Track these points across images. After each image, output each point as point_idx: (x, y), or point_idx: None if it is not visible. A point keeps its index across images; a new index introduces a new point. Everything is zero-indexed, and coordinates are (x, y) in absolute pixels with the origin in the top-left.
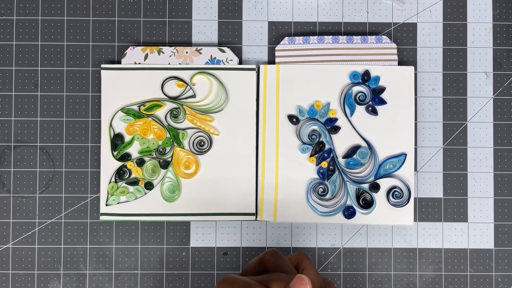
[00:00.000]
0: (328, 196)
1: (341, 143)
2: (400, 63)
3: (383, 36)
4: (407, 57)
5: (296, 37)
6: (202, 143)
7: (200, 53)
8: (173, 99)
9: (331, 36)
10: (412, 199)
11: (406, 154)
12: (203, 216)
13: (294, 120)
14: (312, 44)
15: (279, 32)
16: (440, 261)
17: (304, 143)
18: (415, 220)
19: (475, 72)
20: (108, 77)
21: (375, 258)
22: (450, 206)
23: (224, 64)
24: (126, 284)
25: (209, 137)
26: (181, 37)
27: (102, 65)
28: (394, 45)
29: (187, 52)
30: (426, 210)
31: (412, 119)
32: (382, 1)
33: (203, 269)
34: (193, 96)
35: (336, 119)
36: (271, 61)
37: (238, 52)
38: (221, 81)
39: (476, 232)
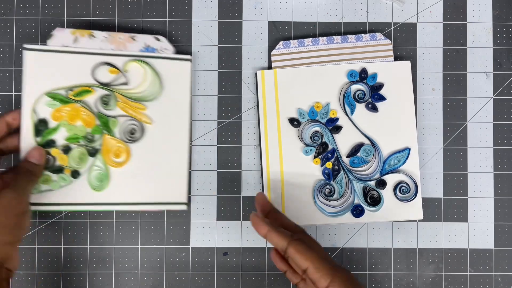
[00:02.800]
0: (335, 196)
1: (344, 142)
2: None
3: (377, 33)
4: (407, 57)
5: (291, 41)
6: (134, 131)
7: (135, 40)
8: (104, 85)
9: (325, 37)
10: (419, 193)
11: (409, 149)
12: (133, 206)
13: (295, 123)
14: (307, 46)
15: (279, 32)
16: (440, 261)
17: (307, 145)
18: (415, 220)
19: (475, 72)
20: (32, 58)
21: (375, 258)
22: (450, 206)
23: (159, 52)
24: (126, 284)
25: (141, 125)
26: (181, 37)
27: (25, 45)
28: (389, 41)
29: (120, 38)
30: (426, 210)
31: (413, 113)
32: (382, 1)
33: (203, 269)
34: (126, 83)
35: (337, 119)
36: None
37: (238, 51)
38: (155, 69)
39: (476, 232)
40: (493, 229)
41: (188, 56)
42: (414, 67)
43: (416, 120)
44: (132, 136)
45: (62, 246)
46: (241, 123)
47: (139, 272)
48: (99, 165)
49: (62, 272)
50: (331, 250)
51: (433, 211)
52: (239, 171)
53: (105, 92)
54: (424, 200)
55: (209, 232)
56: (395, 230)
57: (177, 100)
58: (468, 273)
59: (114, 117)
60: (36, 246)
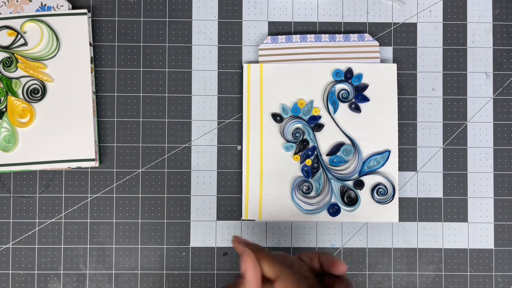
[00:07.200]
0: (312, 193)
1: (325, 140)
2: (400, 63)
3: (365, 34)
4: (407, 57)
5: (279, 36)
6: (36, 91)
7: (31, 0)
8: (5, 48)
9: (313, 35)
10: (397, 196)
11: (389, 151)
12: (44, 165)
13: (278, 118)
14: (295, 43)
15: (279, 32)
16: (440, 261)
17: (288, 141)
18: (415, 220)
19: (475, 72)
20: None
21: (375, 258)
22: (450, 206)
23: (55, 10)
24: (126, 284)
25: (43, 84)
26: (181, 37)
27: None
28: (377, 43)
29: (17, 1)
30: (426, 210)
31: (395, 115)
32: (382, 1)
33: (203, 269)
34: (25, 44)
35: (319, 117)
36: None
37: (238, 51)
38: (51, 27)
39: (476, 232)
40: (493, 229)
41: (83, 10)
42: (414, 67)
43: (416, 120)
44: (35, 95)
45: (62, 246)
46: (241, 123)
47: (139, 272)
48: (6, 127)
49: (62, 272)
50: (331, 250)
51: (433, 211)
52: (239, 171)
53: (5, 55)
54: (424, 200)
55: (209, 232)
56: (395, 230)
57: (77, 55)
58: (468, 273)
59: (16, 78)
60: (36, 246)
